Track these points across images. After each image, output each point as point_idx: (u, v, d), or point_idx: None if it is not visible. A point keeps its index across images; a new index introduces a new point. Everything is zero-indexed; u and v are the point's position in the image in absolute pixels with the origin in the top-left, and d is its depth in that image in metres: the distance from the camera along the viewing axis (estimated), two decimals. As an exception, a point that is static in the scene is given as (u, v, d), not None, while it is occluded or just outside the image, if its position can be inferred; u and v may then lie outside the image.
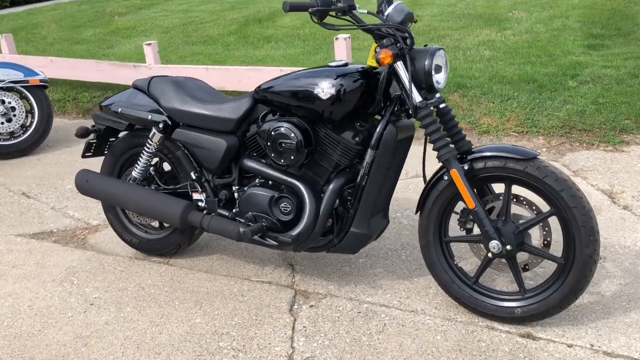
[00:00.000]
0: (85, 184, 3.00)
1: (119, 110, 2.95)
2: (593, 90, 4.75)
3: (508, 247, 2.30)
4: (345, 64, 2.48)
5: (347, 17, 2.40)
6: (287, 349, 2.38)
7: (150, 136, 2.87)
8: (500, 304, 2.41)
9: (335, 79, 2.41)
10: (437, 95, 2.40)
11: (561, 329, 2.35)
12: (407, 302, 2.61)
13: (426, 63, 2.32)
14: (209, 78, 5.45)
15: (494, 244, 2.30)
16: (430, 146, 2.41)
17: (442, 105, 2.40)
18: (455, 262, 2.52)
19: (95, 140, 3.14)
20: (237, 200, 2.76)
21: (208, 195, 2.80)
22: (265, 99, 2.64)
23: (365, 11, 2.40)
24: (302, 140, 2.47)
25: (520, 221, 2.37)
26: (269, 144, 2.54)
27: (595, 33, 6.39)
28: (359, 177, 2.46)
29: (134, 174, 2.98)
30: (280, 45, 7.25)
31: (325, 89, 2.41)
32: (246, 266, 3.00)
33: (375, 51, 2.38)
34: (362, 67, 2.47)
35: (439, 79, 2.36)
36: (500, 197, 2.38)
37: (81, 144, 5.03)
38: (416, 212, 2.53)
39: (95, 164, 3.26)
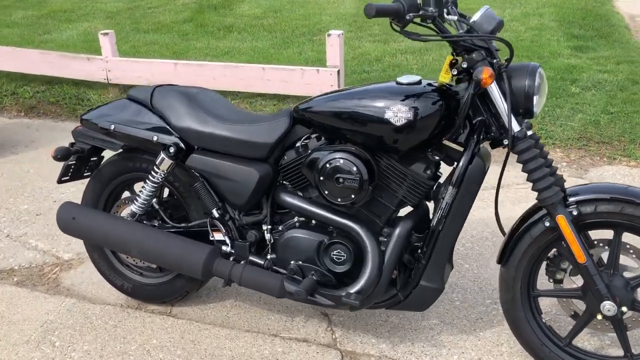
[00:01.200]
0: (71, 223, 2.37)
1: (112, 127, 2.35)
2: (599, 98, 4.50)
3: (624, 308, 1.92)
4: (419, 81, 2.00)
5: (431, 25, 1.93)
6: None
7: (157, 163, 2.29)
8: (607, 369, 2.03)
9: (411, 100, 1.93)
10: (525, 121, 1.98)
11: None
12: (481, 365, 2.20)
13: (527, 84, 1.89)
14: (178, 75, 4.85)
15: (608, 306, 1.91)
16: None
17: (529, 132, 1.97)
18: (544, 320, 2.12)
19: (74, 162, 2.51)
20: (269, 243, 2.24)
21: (233, 237, 2.27)
22: (308, 120, 2.13)
23: (456, 17, 1.92)
24: (367, 176, 1.99)
25: (626, 273, 2.00)
26: (321, 178, 2.03)
27: (575, 34, 6.19)
28: (435, 220, 2.01)
29: (134, 208, 2.39)
30: (245, 37, 6.64)
31: (399, 113, 1.93)
32: (270, 317, 2.49)
33: (464, 68, 1.92)
34: (436, 85, 2.00)
35: (537, 103, 1.93)
36: (605, 247, 2.00)
37: (33, 151, 4.34)
38: (499, 262, 2.10)
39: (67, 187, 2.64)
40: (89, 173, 2.59)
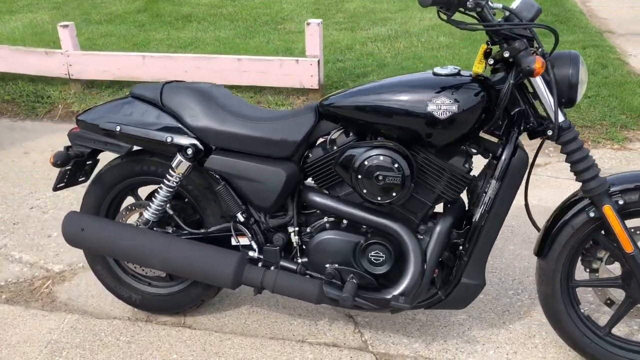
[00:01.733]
0: (79, 235, 2.18)
1: (118, 129, 2.16)
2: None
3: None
4: (459, 72, 1.93)
5: (472, 14, 1.85)
6: None
7: (173, 165, 2.13)
8: (643, 358, 2.03)
9: (453, 92, 1.86)
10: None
11: None
12: (517, 358, 2.16)
13: (571, 72, 1.85)
14: (147, 68, 4.62)
15: (664, 294, 1.91)
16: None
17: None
18: (582, 311, 2.10)
19: (70, 167, 2.31)
20: (297, 246, 2.12)
21: (260, 241, 2.14)
22: (336, 115, 2.02)
23: (500, 6, 1.85)
24: (408, 172, 1.90)
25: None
26: (359, 177, 1.93)
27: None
28: (478, 216, 1.95)
29: (147, 214, 2.22)
30: (206, 27, 6.41)
31: (442, 105, 1.85)
32: (292, 322, 2.38)
33: (505, 58, 1.85)
34: (472, 75, 1.93)
35: (580, 91, 1.89)
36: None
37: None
38: (538, 255, 2.06)
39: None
40: (83, 178, 2.40)
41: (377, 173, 1.91)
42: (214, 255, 2.08)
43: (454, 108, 1.84)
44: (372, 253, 2.02)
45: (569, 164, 1.91)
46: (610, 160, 3.68)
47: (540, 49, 1.86)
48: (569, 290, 2.07)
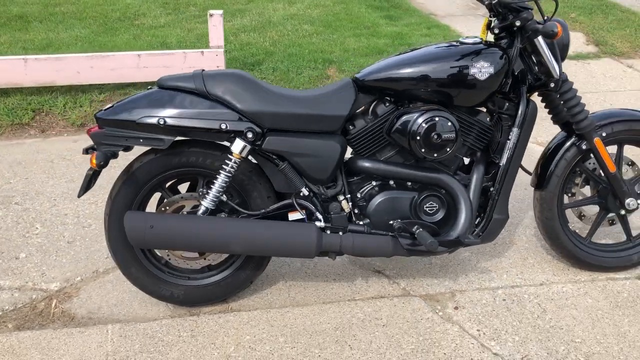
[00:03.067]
0: (150, 232, 2.10)
1: (162, 122, 2.13)
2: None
3: (639, 201, 2.52)
4: (481, 40, 2.29)
5: None
6: (493, 358, 2.18)
7: (233, 150, 2.16)
8: (618, 255, 2.63)
9: (487, 56, 2.23)
10: None
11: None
12: (529, 277, 2.63)
13: (564, 35, 2.32)
14: (30, 72, 4.28)
15: (631, 202, 2.50)
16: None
17: None
18: (571, 227, 2.63)
19: (95, 170, 2.21)
20: (350, 211, 2.32)
21: (322, 211, 2.29)
22: (374, 88, 2.26)
23: None
24: (459, 128, 2.23)
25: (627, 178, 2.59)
26: (417, 138, 2.20)
27: (376, 5, 6.96)
28: (505, 160, 2.35)
29: (206, 203, 2.21)
30: (53, 27, 5.91)
31: (482, 68, 2.21)
32: (332, 286, 2.56)
33: (516, 26, 2.25)
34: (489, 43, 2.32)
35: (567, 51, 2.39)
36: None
37: None
38: (537, 187, 2.53)
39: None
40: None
41: (435, 132, 2.19)
42: (293, 230, 2.19)
43: (492, 70, 2.21)
44: (427, 204, 2.31)
45: (566, 109, 2.39)
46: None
47: (546, 17, 2.29)
48: (562, 213, 2.59)
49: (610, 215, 2.61)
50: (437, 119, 2.20)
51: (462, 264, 2.72)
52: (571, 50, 5.92)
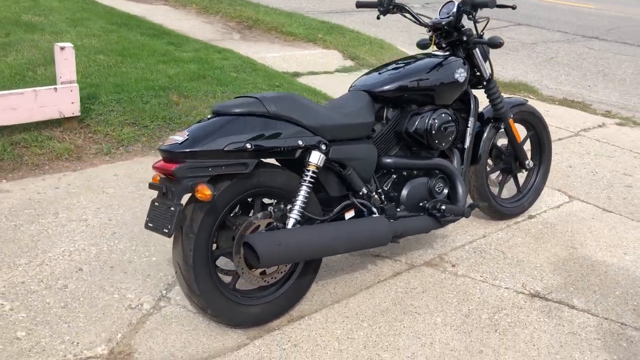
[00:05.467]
0: (278, 250, 2.16)
1: (250, 146, 2.23)
2: (254, 76, 5.71)
3: (532, 162, 3.50)
4: (449, 53, 2.94)
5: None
6: (507, 292, 2.86)
7: (312, 161, 2.37)
8: (516, 204, 3.58)
9: (460, 63, 2.89)
10: None
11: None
12: (476, 233, 3.37)
13: (487, 48, 3.13)
14: None
15: (529, 162, 3.45)
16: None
17: None
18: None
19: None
20: (383, 201, 2.72)
21: (376, 204, 2.64)
22: (388, 96, 2.72)
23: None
24: (456, 121, 2.83)
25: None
26: (433, 132, 2.73)
27: (147, 33, 6.96)
28: (467, 143, 3.04)
29: (294, 216, 2.35)
30: None
31: (461, 73, 2.86)
32: (355, 277, 2.90)
33: (463, 40, 2.96)
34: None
35: None
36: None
37: None
38: (474, 163, 3.29)
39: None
40: None
41: (444, 126, 2.76)
42: (372, 224, 2.52)
43: (465, 74, 2.88)
44: (437, 186, 2.85)
45: (491, 100, 3.20)
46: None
47: (481, 32, 3.03)
48: (487, 180, 3.41)
49: (508, 176, 3.54)
50: (443, 115, 2.77)
51: (457, 230, 3.35)
52: (337, 65, 7.07)
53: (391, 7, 3.03)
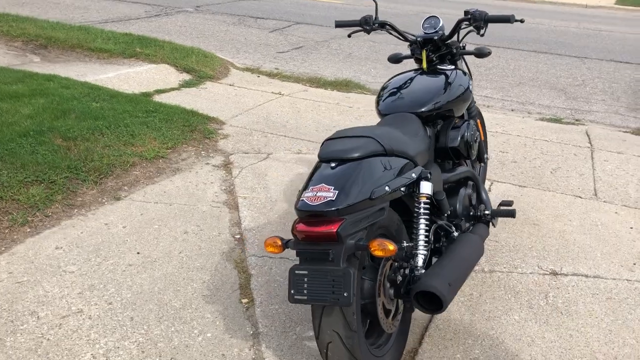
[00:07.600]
0: (451, 289, 2.06)
1: (388, 189, 2.10)
2: (119, 104, 5.07)
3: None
4: (454, 67, 3.07)
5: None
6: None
7: (424, 191, 2.32)
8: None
9: (465, 76, 3.04)
10: None
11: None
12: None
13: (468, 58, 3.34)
14: None
15: (486, 156, 3.78)
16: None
17: None
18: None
19: None
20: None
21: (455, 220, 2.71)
22: (427, 115, 2.76)
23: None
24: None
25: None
26: (471, 143, 2.84)
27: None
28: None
29: (424, 250, 2.28)
30: None
31: (470, 83, 3.05)
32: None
33: (457, 51, 3.13)
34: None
35: None
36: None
37: None
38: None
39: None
40: None
41: (475, 137, 2.89)
42: (475, 240, 2.54)
43: (471, 84, 3.03)
44: (472, 194, 2.97)
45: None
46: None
47: (463, 43, 3.21)
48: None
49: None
50: (472, 125, 2.89)
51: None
52: (178, 80, 6.66)
53: (376, 25, 3.04)
